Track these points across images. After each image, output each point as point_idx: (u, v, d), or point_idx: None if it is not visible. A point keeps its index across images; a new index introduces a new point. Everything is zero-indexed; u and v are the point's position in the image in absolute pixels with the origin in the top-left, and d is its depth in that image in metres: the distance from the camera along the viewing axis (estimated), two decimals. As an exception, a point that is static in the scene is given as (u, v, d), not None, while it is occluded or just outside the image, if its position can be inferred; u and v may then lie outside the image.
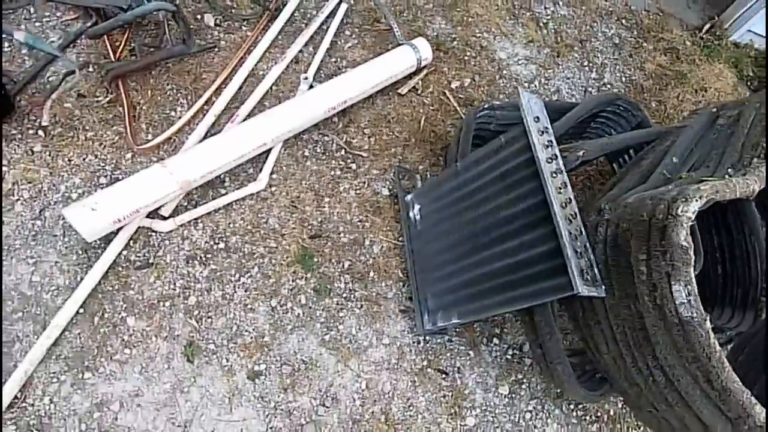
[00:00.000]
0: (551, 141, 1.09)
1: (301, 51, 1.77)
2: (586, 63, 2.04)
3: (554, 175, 1.01)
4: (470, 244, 1.19)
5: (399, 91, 1.75)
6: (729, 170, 0.97)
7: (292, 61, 1.74)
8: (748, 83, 2.10)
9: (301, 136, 1.57)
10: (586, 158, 1.19)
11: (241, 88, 1.62)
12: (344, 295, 1.34)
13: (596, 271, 0.94)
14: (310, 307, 1.32)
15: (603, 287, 0.93)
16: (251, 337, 1.25)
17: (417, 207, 1.43)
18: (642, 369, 0.91)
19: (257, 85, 1.63)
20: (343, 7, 1.88)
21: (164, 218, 1.35)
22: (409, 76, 1.80)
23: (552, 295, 0.97)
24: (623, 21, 2.23)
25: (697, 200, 0.81)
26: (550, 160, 1.03)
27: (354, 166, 1.55)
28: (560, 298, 0.99)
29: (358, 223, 1.45)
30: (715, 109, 1.18)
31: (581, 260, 0.94)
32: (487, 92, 1.85)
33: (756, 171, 0.94)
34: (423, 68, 1.80)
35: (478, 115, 1.51)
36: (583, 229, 0.98)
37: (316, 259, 1.38)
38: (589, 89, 1.98)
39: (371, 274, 1.39)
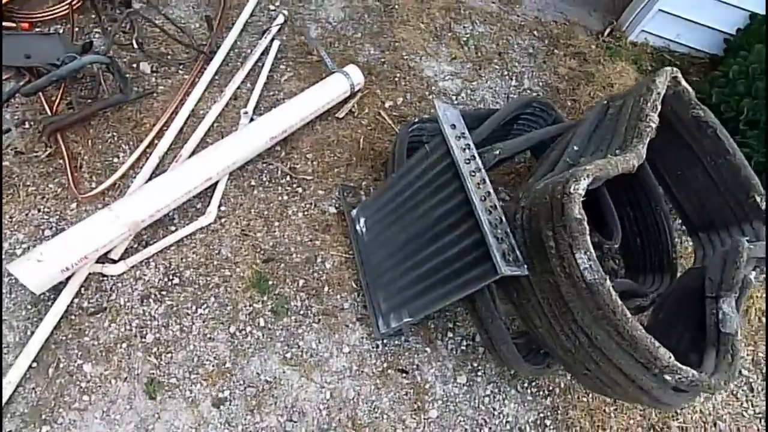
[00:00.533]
0: (468, 144, 1.21)
1: (239, 88, 1.85)
2: (505, 72, 2.23)
3: (473, 174, 1.13)
4: (410, 246, 1.28)
5: (337, 115, 1.86)
6: (616, 151, 1.12)
7: (231, 98, 1.82)
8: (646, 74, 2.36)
9: (246, 167, 1.63)
10: (503, 156, 1.31)
11: (182, 129, 1.68)
12: (301, 312, 1.39)
13: (518, 252, 1.05)
14: (269, 329, 1.35)
15: (525, 266, 1.03)
16: (213, 366, 1.27)
17: (362, 220, 1.51)
18: (569, 335, 1.01)
19: (199, 124, 1.69)
20: (276, 44, 1.99)
21: (114, 261, 1.37)
22: (345, 101, 1.92)
23: (483, 281, 1.06)
24: (535, 33, 2.45)
25: (585, 179, 0.94)
26: (468, 161, 1.15)
27: (300, 189, 1.63)
28: (495, 282, 1.09)
29: (309, 243, 1.52)
30: (606, 101, 1.35)
31: (503, 245, 1.04)
32: (419, 108, 1.99)
33: (635, 149, 1.08)
34: (357, 92, 1.92)
35: (409, 129, 1.63)
36: (503, 218, 1.08)
37: (271, 282, 1.42)
38: (511, 95, 2.16)
39: (326, 288, 1.44)
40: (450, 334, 1.44)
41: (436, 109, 1.22)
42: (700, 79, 2.33)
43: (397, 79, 2.04)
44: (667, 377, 0.92)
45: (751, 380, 1.53)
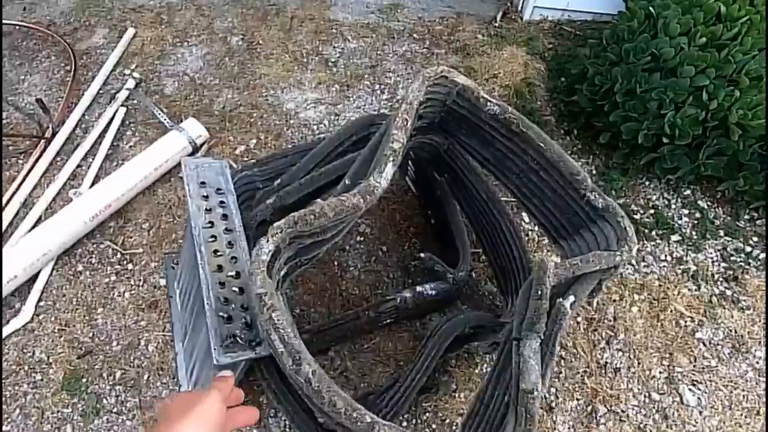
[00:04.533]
0: (223, 202, 1.04)
1: (79, 166, 1.77)
2: (377, 87, 2.04)
3: (211, 239, 0.97)
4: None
5: (180, 175, 1.74)
6: (358, 182, 0.91)
7: (69, 178, 1.74)
8: (543, 54, 2.10)
9: (74, 251, 1.52)
10: (286, 203, 1.14)
11: (12, 222, 1.61)
12: (115, 410, 1.25)
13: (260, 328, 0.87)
14: (77, 437, 1.23)
15: (263, 345, 0.85)
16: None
17: (176, 286, 1.37)
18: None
19: (27, 214, 1.62)
20: (122, 110, 1.91)
21: None
22: (192, 155, 1.80)
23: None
24: (414, 35, 2.26)
25: (268, 244, 0.75)
26: (209, 225, 0.99)
27: (130, 266, 1.50)
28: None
29: (133, 325, 1.38)
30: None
31: (230, 325, 0.87)
32: (275, 146, 1.83)
33: (368, 181, 0.88)
34: (203, 144, 1.81)
35: (235, 180, 1.48)
36: (244, 288, 0.91)
37: (85, 380, 1.29)
38: (383, 110, 1.98)
39: (146, 376, 1.30)
40: (281, 414, 1.26)
41: (183, 168, 1.07)
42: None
43: (253, 120, 1.90)
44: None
45: (663, 405, 1.25)
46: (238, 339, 0.84)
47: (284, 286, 1.00)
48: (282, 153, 1.54)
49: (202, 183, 1.05)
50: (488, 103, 1.05)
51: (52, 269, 1.47)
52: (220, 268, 0.92)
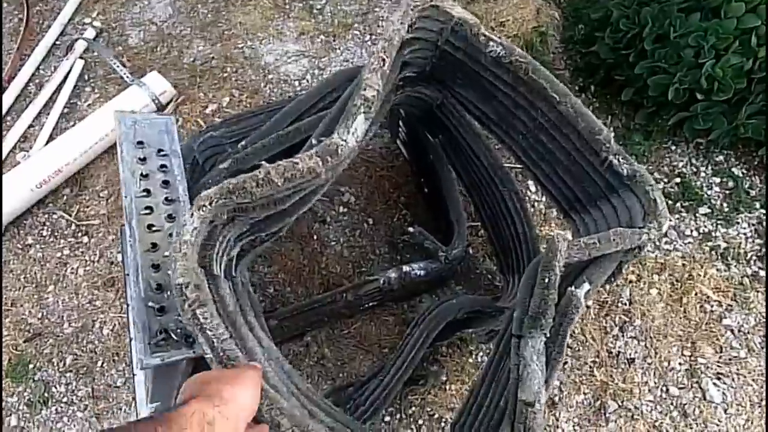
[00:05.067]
0: (164, 165, 0.86)
1: (31, 126, 1.59)
2: (368, 37, 1.80)
3: (145, 212, 0.79)
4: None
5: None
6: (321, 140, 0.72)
7: (19, 140, 1.56)
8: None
9: (22, 222, 1.36)
10: (244, 166, 0.96)
11: (-45, 188, 1.45)
12: (65, 399, 1.12)
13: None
14: (23, 428, 1.11)
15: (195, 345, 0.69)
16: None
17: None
18: None
19: (-28, 180, 1.45)
20: (79, 63, 1.69)
21: None
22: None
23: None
24: (412, -22, 1.99)
25: (193, 223, 0.57)
26: (143, 194, 0.82)
27: (86, 239, 1.34)
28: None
29: (87, 305, 1.24)
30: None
31: (162, 319, 0.71)
32: (251, 104, 1.62)
33: (333, 137, 0.69)
34: (169, 103, 1.60)
35: (199, 143, 1.29)
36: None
37: (32, 365, 1.16)
38: (374, 65, 1.75)
39: (100, 363, 1.17)
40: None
41: (116, 124, 0.88)
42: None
43: (226, 75, 1.68)
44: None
45: (683, 401, 1.10)
46: (172, 334, 0.68)
47: (240, 268, 0.83)
48: (254, 111, 1.34)
49: (140, 143, 0.86)
50: (490, 43, 0.84)
51: (-2, 242, 1.31)
52: (154, 246, 0.75)
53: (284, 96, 1.64)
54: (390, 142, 1.51)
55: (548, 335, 0.69)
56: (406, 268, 1.08)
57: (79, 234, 1.34)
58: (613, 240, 0.78)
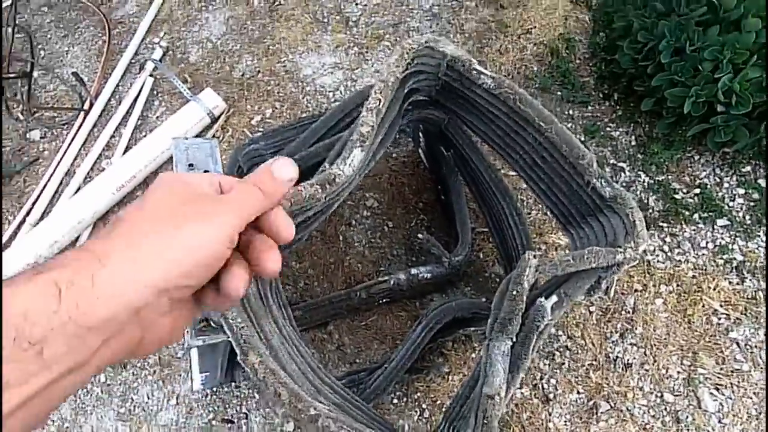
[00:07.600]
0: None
1: (113, 136, 1.89)
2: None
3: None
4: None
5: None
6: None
7: (104, 148, 1.87)
8: (588, 1, 1.82)
9: (106, 220, 1.67)
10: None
11: (57, 190, 1.78)
12: (139, 365, 1.40)
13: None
14: (109, 384, 1.39)
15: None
16: (55, 427, 1.35)
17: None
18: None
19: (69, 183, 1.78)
20: (150, 80, 1.97)
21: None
22: (210, 126, 1.84)
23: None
24: (443, -14, 2.06)
25: None
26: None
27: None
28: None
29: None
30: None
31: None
32: (291, 115, 1.81)
33: (332, 168, 0.83)
34: (220, 115, 1.83)
35: (243, 153, 1.50)
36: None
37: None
38: (402, 75, 1.86)
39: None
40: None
41: (172, 149, 1.09)
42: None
43: (269, 88, 1.88)
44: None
45: (677, 408, 1.14)
46: (211, 323, 0.88)
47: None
48: (289, 125, 1.52)
49: (191, 165, 1.06)
50: (482, 76, 0.93)
51: (89, 236, 1.62)
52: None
53: (320, 106, 1.81)
54: (413, 150, 1.63)
55: (515, 340, 0.80)
56: (413, 270, 1.22)
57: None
58: (587, 258, 0.87)
